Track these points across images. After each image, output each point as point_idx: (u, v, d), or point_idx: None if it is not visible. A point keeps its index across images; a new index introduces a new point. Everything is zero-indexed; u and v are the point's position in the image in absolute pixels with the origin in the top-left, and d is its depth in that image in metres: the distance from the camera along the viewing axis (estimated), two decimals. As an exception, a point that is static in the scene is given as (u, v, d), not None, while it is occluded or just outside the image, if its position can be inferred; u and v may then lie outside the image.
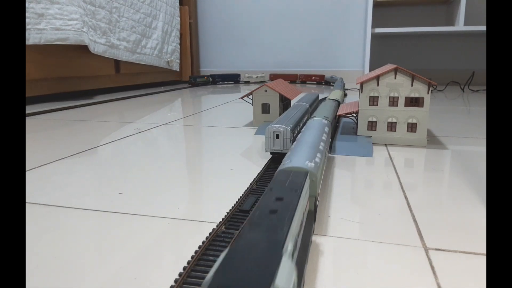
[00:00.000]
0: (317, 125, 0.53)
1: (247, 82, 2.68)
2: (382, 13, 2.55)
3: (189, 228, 0.38)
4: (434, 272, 0.30)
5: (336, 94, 1.12)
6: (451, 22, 2.31)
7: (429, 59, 2.53)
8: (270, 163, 0.58)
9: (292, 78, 2.58)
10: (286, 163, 0.34)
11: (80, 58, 1.60)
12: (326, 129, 0.54)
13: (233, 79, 2.67)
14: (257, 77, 2.61)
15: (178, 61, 2.42)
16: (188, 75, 2.58)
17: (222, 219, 0.38)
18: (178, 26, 2.42)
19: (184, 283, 0.28)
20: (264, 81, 2.63)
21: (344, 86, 1.75)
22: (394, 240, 0.35)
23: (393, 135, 0.73)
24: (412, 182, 0.52)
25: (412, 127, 0.72)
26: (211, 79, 2.60)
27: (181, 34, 2.50)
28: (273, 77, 2.62)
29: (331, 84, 2.36)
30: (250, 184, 0.49)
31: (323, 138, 0.47)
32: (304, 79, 2.53)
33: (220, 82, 2.66)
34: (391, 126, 0.73)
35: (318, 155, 0.38)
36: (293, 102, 1.35)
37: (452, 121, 1.01)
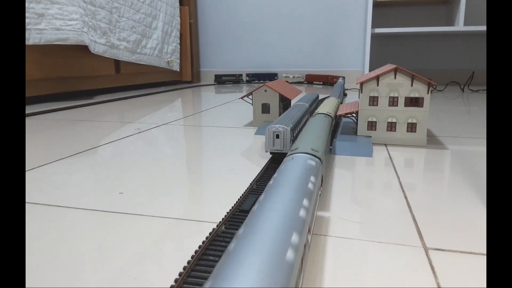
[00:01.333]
0: (297, 174, 0.30)
1: (286, 82, 2.64)
2: (382, 13, 2.55)
3: (189, 228, 0.38)
4: (434, 272, 0.30)
5: (328, 105, 0.80)
6: (451, 22, 2.31)
7: (429, 59, 2.53)
8: (270, 163, 0.58)
9: (324, 79, 2.50)
10: None
11: (80, 58, 1.60)
12: (312, 181, 0.30)
13: (270, 78, 2.65)
14: (293, 77, 2.58)
15: (178, 61, 2.42)
16: (188, 74, 2.59)
17: (222, 219, 0.38)
18: (178, 26, 2.42)
19: (184, 283, 0.28)
20: (302, 81, 2.60)
21: (343, 89, 1.64)
22: (394, 240, 0.35)
23: (393, 135, 0.73)
24: (412, 182, 0.52)
25: (412, 127, 0.72)
26: (247, 78, 2.60)
27: (181, 34, 2.50)
28: (309, 77, 2.57)
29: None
30: (250, 184, 0.49)
31: (304, 204, 0.25)
32: (331, 81, 2.46)
33: (256, 81, 2.64)
34: (391, 126, 0.73)
35: (285, 268, 0.18)
36: (293, 102, 1.35)
37: (452, 121, 1.01)
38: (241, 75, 2.64)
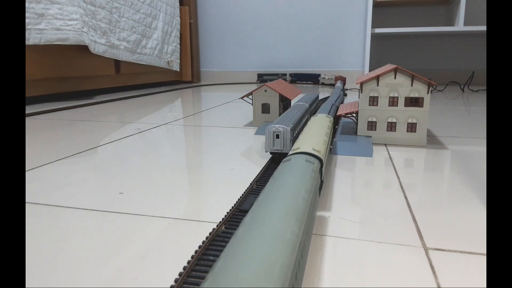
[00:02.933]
0: None
1: (323, 84, 2.56)
2: (382, 13, 2.55)
3: (189, 228, 0.38)
4: (434, 272, 0.30)
5: (315, 133, 0.47)
6: (451, 22, 2.31)
7: (429, 59, 2.53)
8: (270, 163, 0.58)
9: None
10: None
11: (80, 58, 1.60)
12: None
13: (312, 79, 2.61)
14: (328, 78, 2.54)
15: (178, 61, 2.42)
16: (188, 75, 2.59)
17: (222, 219, 0.38)
18: (178, 26, 2.42)
19: (184, 283, 0.28)
20: (332, 84, 2.56)
21: (342, 95, 1.41)
22: (394, 240, 0.35)
23: (393, 135, 0.73)
24: (412, 182, 0.52)
25: (412, 127, 0.72)
26: (290, 78, 2.65)
27: (181, 34, 2.50)
28: (339, 78, 2.55)
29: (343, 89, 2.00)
30: (250, 184, 0.49)
31: None
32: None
33: (298, 82, 2.65)
34: (391, 126, 0.73)
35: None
36: (293, 102, 1.35)
37: (452, 121, 1.01)
38: (285, 74, 2.68)
